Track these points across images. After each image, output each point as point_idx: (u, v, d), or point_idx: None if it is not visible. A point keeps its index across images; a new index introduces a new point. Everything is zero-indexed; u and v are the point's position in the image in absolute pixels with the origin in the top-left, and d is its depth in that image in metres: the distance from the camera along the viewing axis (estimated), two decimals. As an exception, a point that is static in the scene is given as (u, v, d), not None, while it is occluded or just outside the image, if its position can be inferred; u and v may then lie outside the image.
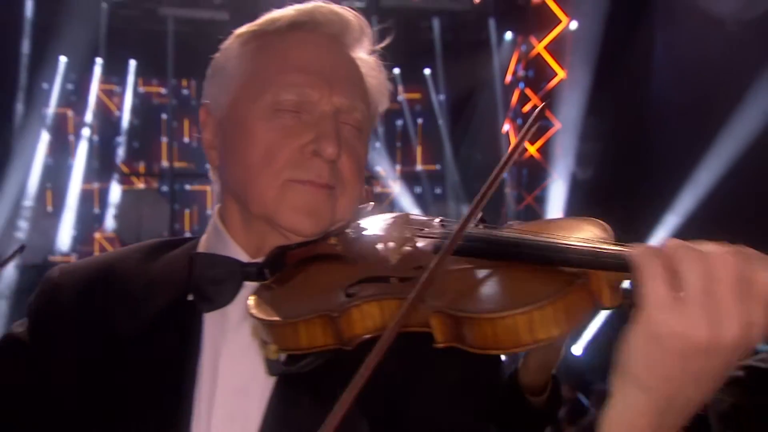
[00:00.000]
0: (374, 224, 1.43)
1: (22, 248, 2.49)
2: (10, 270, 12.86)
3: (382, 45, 1.54)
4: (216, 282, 1.37)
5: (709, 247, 0.94)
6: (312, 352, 1.19)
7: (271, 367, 1.25)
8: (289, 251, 1.36)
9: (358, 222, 1.45)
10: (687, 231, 11.18)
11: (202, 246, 1.49)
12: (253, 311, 1.23)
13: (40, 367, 1.39)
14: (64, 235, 14.83)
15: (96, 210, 15.86)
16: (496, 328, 1.00)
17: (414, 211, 15.26)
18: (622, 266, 0.98)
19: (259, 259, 1.39)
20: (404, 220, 1.36)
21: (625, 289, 1.05)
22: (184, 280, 1.40)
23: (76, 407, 1.33)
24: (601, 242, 1.06)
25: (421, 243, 1.25)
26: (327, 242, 1.38)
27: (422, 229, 1.29)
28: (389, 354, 0.99)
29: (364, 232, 1.40)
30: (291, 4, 1.46)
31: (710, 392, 0.98)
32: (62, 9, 12.19)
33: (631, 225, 11.06)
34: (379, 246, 1.31)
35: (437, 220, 1.37)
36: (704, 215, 11.15)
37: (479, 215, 1.21)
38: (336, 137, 1.36)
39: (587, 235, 1.13)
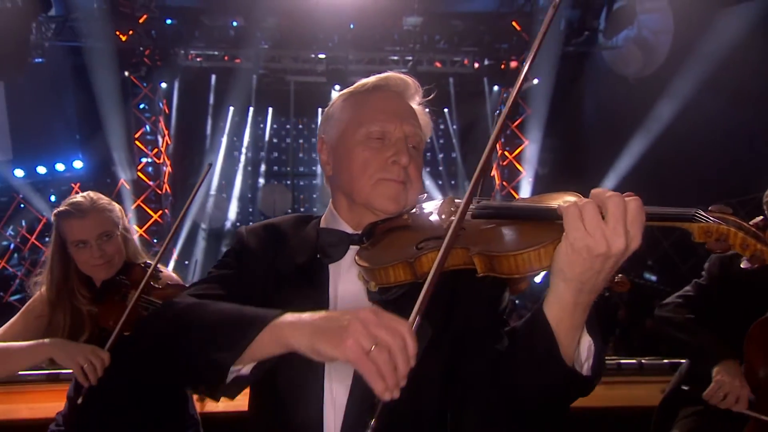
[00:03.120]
0: (430, 205, 1.57)
1: (210, 166, 2.63)
2: (200, 232, 15.14)
3: (427, 97, 1.73)
4: (333, 245, 1.58)
5: (605, 195, 1.11)
6: (396, 285, 1.35)
7: (371, 296, 1.42)
8: (378, 225, 1.54)
9: (420, 205, 1.59)
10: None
11: (323, 223, 1.70)
12: (359, 262, 1.40)
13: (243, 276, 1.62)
14: (232, 211, 17.04)
15: (249, 195, 17.68)
16: (517, 260, 1.17)
17: (437, 193, 18.45)
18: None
19: (359, 231, 1.58)
20: (450, 200, 1.43)
21: None
22: (315, 245, 1.61)
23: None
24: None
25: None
26: (401, 218, 1.53)
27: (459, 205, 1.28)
28: (445, 278, 1.19)
29: (425, 211, 1.54)
30: (365, 75, 1.68)
31: (605, 281, 1.18)
32: (231, 79, 14.53)
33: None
34: (434, 217, 1.44)
35: (475, 200, 1.37)
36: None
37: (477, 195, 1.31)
38: (407, 152, 1.55)
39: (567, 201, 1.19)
